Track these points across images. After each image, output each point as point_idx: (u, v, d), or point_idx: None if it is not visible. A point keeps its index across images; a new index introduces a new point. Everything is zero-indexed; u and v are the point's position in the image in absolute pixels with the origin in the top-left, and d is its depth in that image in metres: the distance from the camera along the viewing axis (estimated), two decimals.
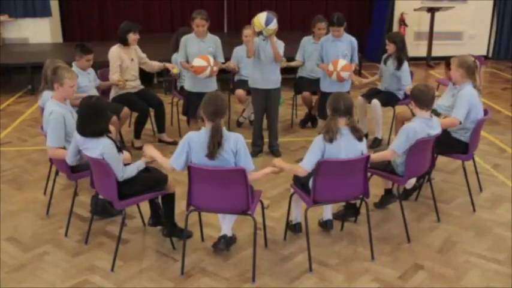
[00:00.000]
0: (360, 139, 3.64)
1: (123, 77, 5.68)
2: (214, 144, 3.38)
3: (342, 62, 5.41)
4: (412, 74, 5.94)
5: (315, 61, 5.91)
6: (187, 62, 5.48)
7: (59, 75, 4.14)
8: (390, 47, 5.75)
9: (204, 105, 3.46)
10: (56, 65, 4.38)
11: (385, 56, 5.94)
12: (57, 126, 4.05)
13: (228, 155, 3.43)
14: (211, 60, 5.33)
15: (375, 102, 5.82)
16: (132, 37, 5.69)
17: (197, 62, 5.30)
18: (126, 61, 5.73)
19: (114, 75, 5.65)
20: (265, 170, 3.75)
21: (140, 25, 6.00)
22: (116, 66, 5.66)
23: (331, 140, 3.54)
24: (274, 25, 5.13)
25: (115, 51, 5.69)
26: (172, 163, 3.55)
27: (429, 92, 3.97)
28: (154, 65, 6.14)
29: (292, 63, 6.32)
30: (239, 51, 6.49)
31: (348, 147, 3.59)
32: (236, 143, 3.45)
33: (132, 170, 3.69)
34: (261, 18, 5.11)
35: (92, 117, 3.62)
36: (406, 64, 5.72)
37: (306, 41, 6.35)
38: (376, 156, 3.97)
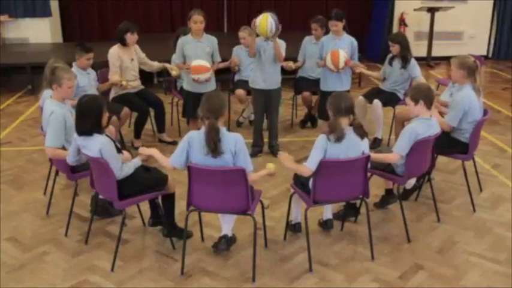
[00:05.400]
0: (362, 136, 3.64)
1: (124, 77, 5.67)
2: (210, 142, 3.37)
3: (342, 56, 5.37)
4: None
5: (315, 61, 5.91)
6: (184, 63, 5.51)
7: (57, 75, 4.16)
8: (395, 48, 5.72)
9: (201, 103, 3.49)
10: (54, 65, 4.38)
11: (389, 56, 5.90)
12: (58, 126, 4.05)
13: (227, 155, 3.43)
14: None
15: (376, 102, 5.81)
16: (130, 37, 5.68)
17: (200, 62, 5.29)
18: (126, 61, 5.72)
19: (113, 76, 5.64)
20: (261, 172, 3.69)
21: (139, 25, 5.99)
22: (116, 67, 5.66)
23: (339, 140, 3.54)
24: (277, 28, 5.09)
25: (114, 52, 5.68)
26: (172, 161, 3.56)
27: (431, 90, 4.05)
28: (154, 65, 6.13)
29: (295, 65, 6.28)
30: (238, 50, 6.50)
31: (349, 147, 3.59)
32: (236, 143, 3.44)
33: (129, 168, 3.69)
34: (267, 27, 5.00)
35: (81, 116, 3.64)
36: (413, 60, 5.74)
37: (307, 41, 6.34)
38: (378, 156, 3.97)
